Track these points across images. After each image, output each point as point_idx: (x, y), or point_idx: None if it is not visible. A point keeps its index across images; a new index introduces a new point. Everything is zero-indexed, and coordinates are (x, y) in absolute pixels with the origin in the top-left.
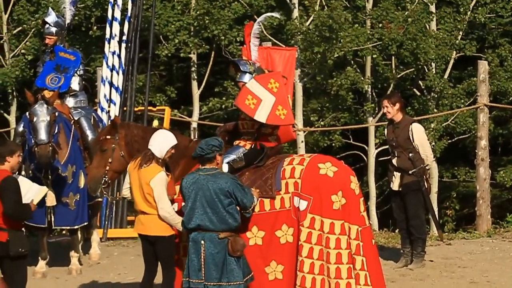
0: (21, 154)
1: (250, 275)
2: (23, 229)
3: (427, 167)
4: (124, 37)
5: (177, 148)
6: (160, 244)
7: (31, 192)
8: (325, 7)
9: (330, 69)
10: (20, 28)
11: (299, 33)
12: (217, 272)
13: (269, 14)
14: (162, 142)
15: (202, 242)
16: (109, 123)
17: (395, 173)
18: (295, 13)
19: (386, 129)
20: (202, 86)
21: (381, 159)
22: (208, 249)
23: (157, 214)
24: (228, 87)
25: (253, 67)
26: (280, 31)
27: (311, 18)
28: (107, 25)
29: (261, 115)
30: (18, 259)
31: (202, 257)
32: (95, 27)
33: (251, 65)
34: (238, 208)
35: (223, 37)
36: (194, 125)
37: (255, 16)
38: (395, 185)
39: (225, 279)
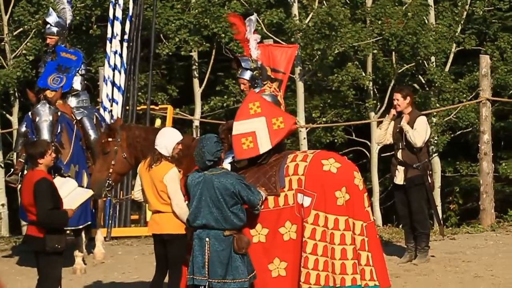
0: (53, 151)
1: (254, 273)
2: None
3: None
4: (126, 36)
5: (181, 147)
6: (174, 242)
7: (72, 195)
8: (324, 3)
9: (331, 66)
10: (21, 29)
11: (298, 30)
12: (221, 269)
13: (252, 17)
14: (167, 139)
15: (207, 239)
16: (105, 126)
17: (398, 167)
18: (295, 10)
19: (393, 122)
20: (203, 84)
21: (384, 155)
22: (213, 246)
23: (172, 211)
24: (229, 85)
25: (255, 64)
26: (280, 29)
27: (310, 15)
28: (109, 25)
29: (264, 145)
30: (54, 255)
31: (207, 254)
32: (95, 26)
33: (252, 62)
34: (244, 207)
35: (223, 35)
36: (196, 123)
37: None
38: (398, 179)
39: (230, 276)
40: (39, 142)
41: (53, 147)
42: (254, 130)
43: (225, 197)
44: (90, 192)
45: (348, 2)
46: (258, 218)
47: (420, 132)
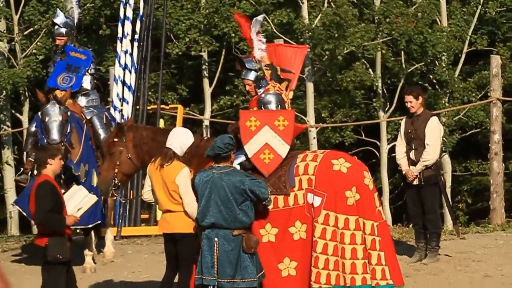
0: (62, 158)
1: (262, 272)
2: (65, 235)
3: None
4: (136, 36)
5: (189, 147)
6: (184, 241)
7: (78, 202)
8: (332, 4)
9: (341, 66)
10: (31, 28)
11: (307, 31)
12: (231, 269)
13: (259, 17)
14: (184, 139)
15: (216, 239)
16: (115, 126)
17: (411, 166)
18: (304, 10)
19: (404, 122)
20: (213, 84)
21: (393, 154)
22: (222, 246)
23: (183, 210)
24: (239, 84)
25: (259, 65)
26: (289, 29)
27: (318, 17)
28: (119, 24)
29: (282, 149)
30: (57, 265)
31: (216, 254)
32: (104, 26)
33: (256, 62)
34: (253, 204)
35: (233, 35)
36: (206, 122)
37: (265, 14)
38: (412, 178)
39: (239, 275)
40: (49, 147)
41: (63, 151)
42: (266, 141)
43: (234, 195)
44: (94, 198)
45: (356, 1)
46: (268, 217)
47: (431, 136)
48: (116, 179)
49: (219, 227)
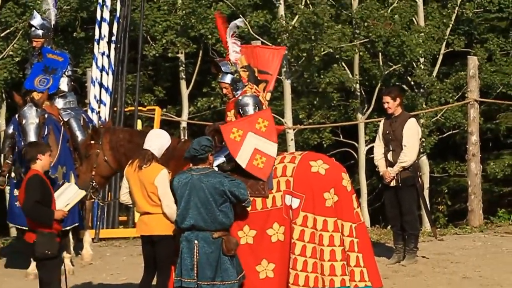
0: (51, 153)
1: (243, 273)
2: (54, 231)
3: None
4: (113, 38)
5: (167, 149)
6: (163, 243)
7: (67, 197)
8: (310, 6)
9: (318, 67)
10: (8, 30)
11: (284, 31)
12: (211, 271)
13: (237, 21)
14: (162, 141)
15: (196, 241)
16: (91, 128)
17: (388, 168)
18: (281, 11)
19: (382, 123)
20: (190, 86)
21: (371, 156)
22: (202, 249)
23: (162, 212)
24: (216, 87)
25: (235, 67)
26: (266, 31)
27: (296, 17)
28: (96, 26)
29: (271, 149)
30: (48, 261)
31: (196, 256)
32: (79, 29)
33: (232, 65)
34: (232, 205)
35: (210, 36)
36: (184, 124)
37: (241, 16)
38: (389, 180)
39: (219, 278)
40: (40, 143)
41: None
42: (254, 147)
43: (214, 196)
44: (82, 193)
45: (334, 2)
46: (246, 219)
47: (409, 138)
48: (93, 181)
49: (198, 229)
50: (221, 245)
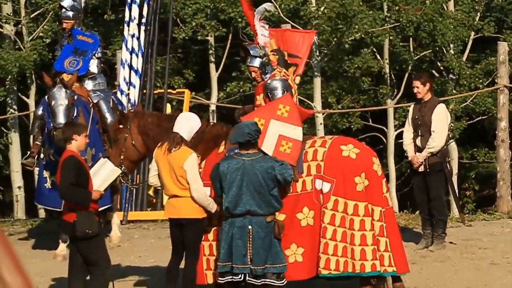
0: (87, 135)
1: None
2: (92, 210)
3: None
4: (143, 20)
5: (196, 132)
6: (191, 227)
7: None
8: None
9: (348, 52)
10: (38, 11)
11: (314, 18)
12: (265, 255)
13: (266, 5)
14: (192, 124)
15: (250, 227)
16: (119, 112)
17: (417, 153)
18: None
19: (412, 108)
20: (219, 69)
21: (400, 140)
22: (256, 234)
23: (190, 196)
24: (245, 71)
25: (263, 51)
26: (297, 14)
27: (324, 6)
28: (126, 8)
29: (297, 132)
30: (89, 240)
31: (250, 242)
32: (109, 12)
33: (261, 49)
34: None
35: (239, 19)
36: (213, 107)
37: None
38: (416, 165)
39: (270, 261)
40: (76, 124)
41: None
42: (278, 133)
43: (267, 181)
44: (117, 171)
45: None
46: None
47: (437, 124)
48: (122, 165)
49: (253, 214)
50: (273, 229)
